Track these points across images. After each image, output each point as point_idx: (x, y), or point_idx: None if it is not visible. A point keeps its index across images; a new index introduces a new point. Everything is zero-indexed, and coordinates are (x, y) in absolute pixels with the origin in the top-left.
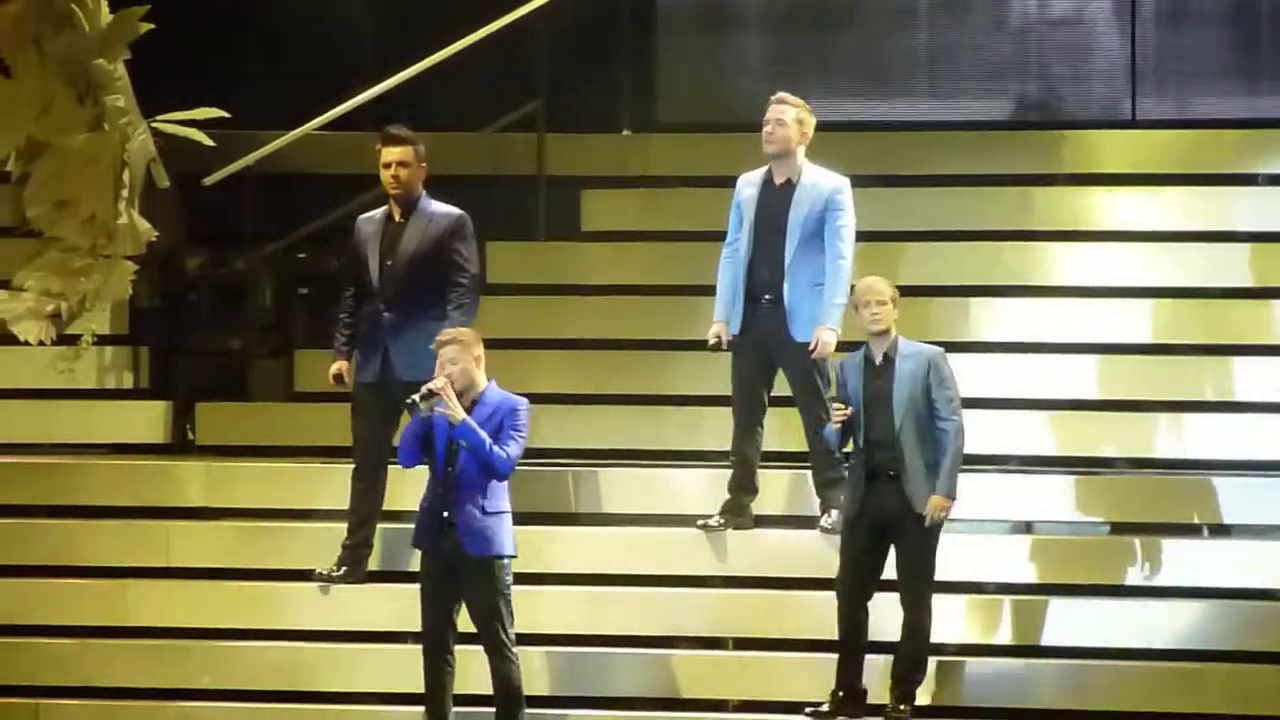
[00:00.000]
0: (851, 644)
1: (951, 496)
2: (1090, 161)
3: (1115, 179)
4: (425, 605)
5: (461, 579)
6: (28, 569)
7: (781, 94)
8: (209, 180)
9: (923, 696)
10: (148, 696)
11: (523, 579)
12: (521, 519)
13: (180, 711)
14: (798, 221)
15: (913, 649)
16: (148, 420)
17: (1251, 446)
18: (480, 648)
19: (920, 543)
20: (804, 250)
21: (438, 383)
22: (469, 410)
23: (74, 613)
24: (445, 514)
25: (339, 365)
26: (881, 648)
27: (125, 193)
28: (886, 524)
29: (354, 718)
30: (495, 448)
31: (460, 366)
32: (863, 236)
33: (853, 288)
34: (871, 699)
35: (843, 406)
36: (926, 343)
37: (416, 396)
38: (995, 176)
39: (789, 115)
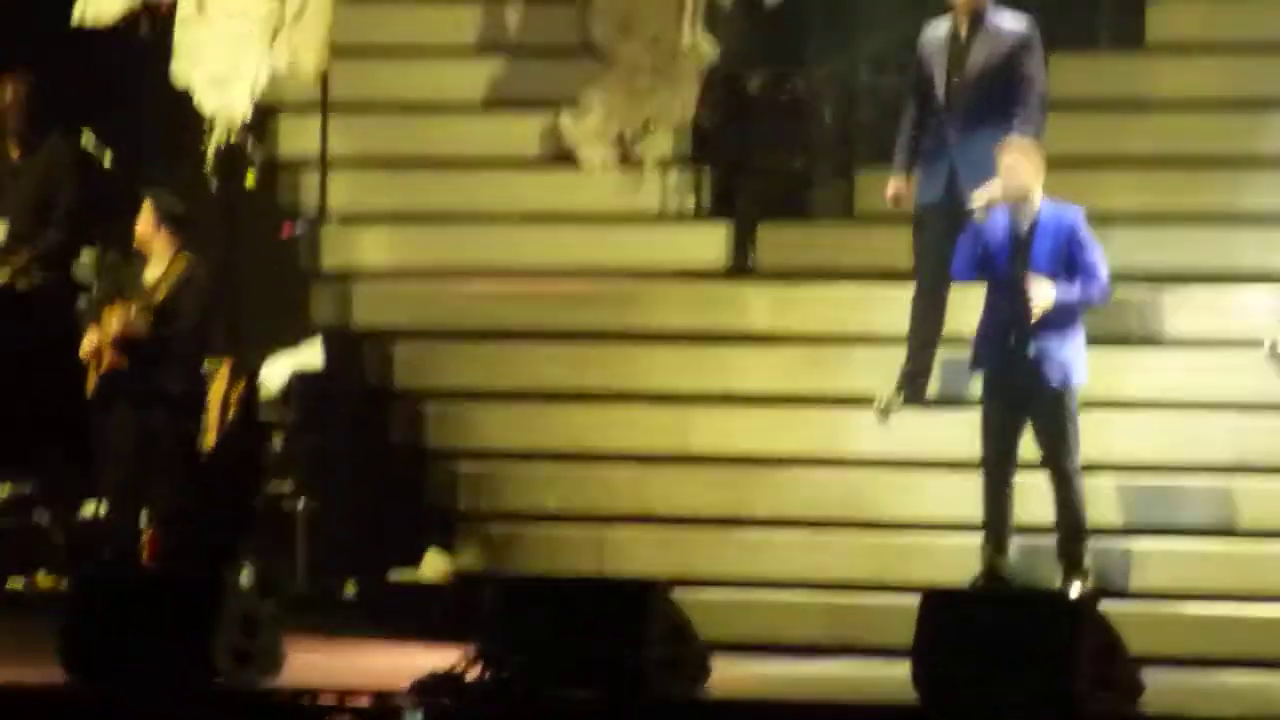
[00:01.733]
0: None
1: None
2: None
3: None
4: (988, 431)
5: (1029, 405)
6: (590, 395)
7: None
8: None
9: None
10: (708, 524)
11: (1096, 405)
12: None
13: (739, 538)
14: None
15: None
16: (710, 243)
17: None
18: (1041, 476)
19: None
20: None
21: (992, 191)
22: (1031, 230)
23: (636, 438)
24: (1011, 337)
25: (898, 183)
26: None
27: (688, 13)
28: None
29: (913, 545)
30: (1091, 288)
31: (1016, 182)
32: None
33: None
34: None
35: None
36: None
37: (974, 205)
38: None
39: None
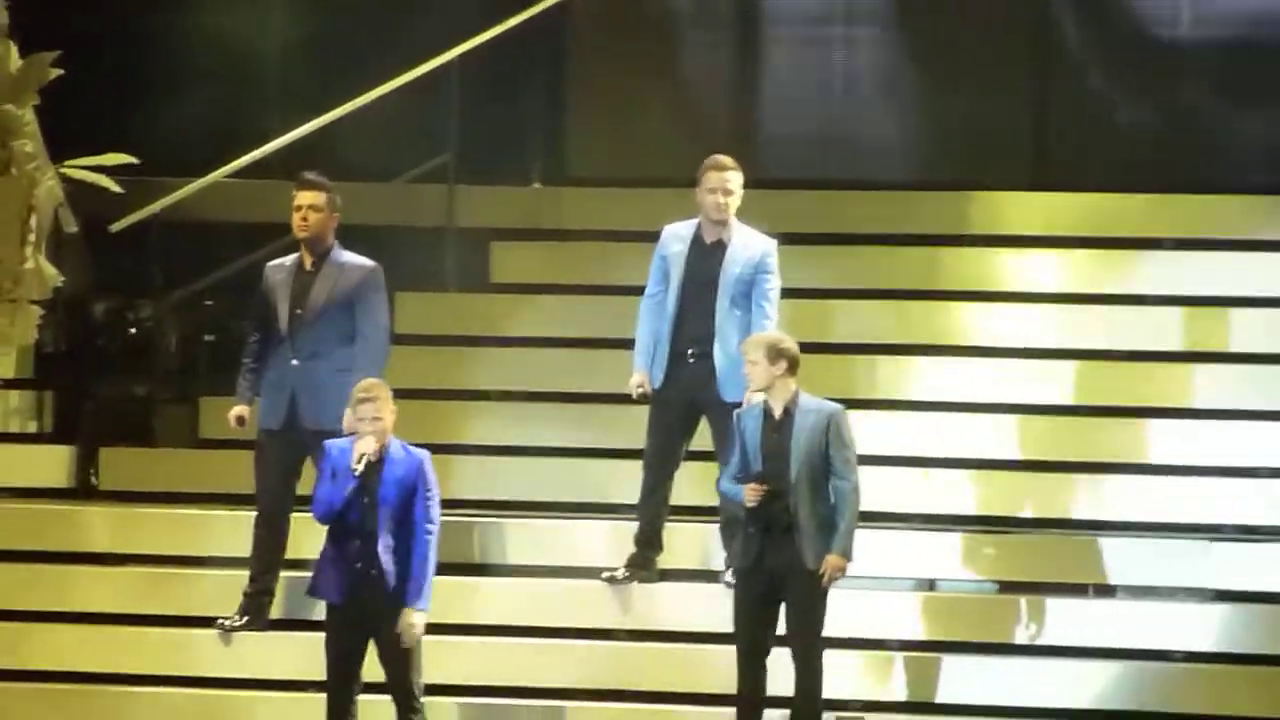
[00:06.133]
0: (750, 699)
1: (848, 556)
2: (998, 223)
3: (1023, 240)
4: (332, 655)
5: (373, 630)
6: None
7: (720, 158)
8: (116, 226)
9: None
10: None
11: (430, 629)
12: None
13: None
14: (729, 282)
15: (806, 705)
16: (52, 464)
17: (1161, 508)
18: (385, 698)
19: (809, 598)
20: (732, 310)
21: (369, 446)
22: (379, 466)
23: None
24: (359, 565)
25: (241, 409)
26: (782, 703)
27: (32, 237)
28: (778, 577)
29: None
30: (428, 552)
31: (383, 424)
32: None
33: None
34: None
35: (759, 486)
36: (830, 399)
37: (359, 466)
38: (903, 236)
39: (735, 182)
